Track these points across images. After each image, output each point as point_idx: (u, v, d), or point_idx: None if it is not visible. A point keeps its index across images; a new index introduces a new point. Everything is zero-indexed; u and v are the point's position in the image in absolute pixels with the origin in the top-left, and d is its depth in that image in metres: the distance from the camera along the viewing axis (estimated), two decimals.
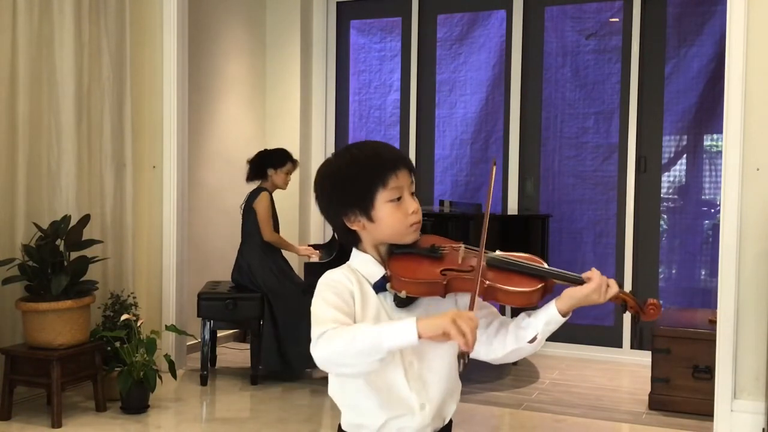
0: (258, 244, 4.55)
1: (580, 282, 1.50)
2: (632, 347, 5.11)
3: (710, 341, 3.71)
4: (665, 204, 5.17)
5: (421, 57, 5.78)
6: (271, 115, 5.96)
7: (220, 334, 5.23)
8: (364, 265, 1.55)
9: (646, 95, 5.12)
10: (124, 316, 3.91)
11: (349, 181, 1.51)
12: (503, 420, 3.98)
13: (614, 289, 1.49)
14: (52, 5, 4.06)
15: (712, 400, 3.63)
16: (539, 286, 1.49)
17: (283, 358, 4.37)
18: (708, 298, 4.96)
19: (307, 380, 4.51)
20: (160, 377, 3.92)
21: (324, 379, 1.62)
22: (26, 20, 3.92)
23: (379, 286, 1.52)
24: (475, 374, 4.58)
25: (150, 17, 4.61)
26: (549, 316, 1.51)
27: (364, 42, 6.07)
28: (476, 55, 5.64)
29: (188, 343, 4.84)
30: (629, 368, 4.93)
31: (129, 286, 4.43)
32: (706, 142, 5.09)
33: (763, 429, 3.46)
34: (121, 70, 4.45)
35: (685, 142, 5.12)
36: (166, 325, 4.33)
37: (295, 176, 4.87)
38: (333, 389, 1.57)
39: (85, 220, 3.87)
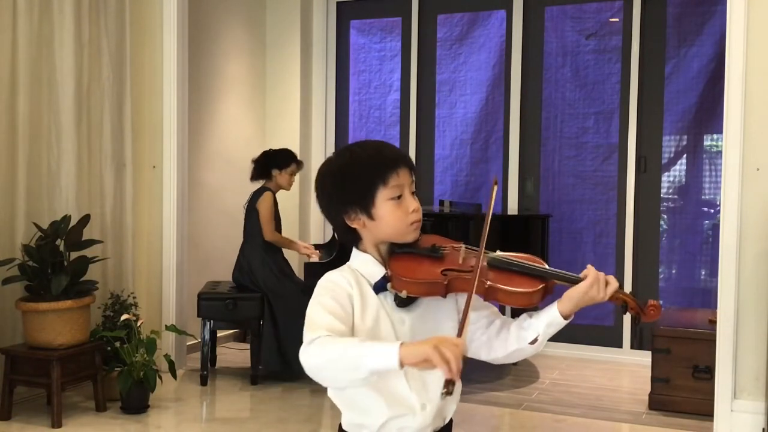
0: (259, 244, 4.55)
1: (577, 281, 1.50)
2: (632, 347, 5.11)
3: (710, 341, 3.70)
4: (665, 204, 5.17)
5: (421, 57, 5.78)
6: (271, 115, 5.96)
7: (220, 334, 5.23)
8: (365, 265, 1.55)
9: (646, 95, 5.12)
10: (124, 316, 3.91)
11: (350, 179, 1.52)
12: (503, 420, 3.98)
13: (614, 285, 1.49)
14: (52, 5, 4.06)
15: (712, 400, 3.63)
16: (540, 286, 1.49)
17: (283, 358, 4.37)
18: (708, 298, 4.96)
19: (307, 380, 4.47)
20: (160, 377, 3.92)
21: None
22: (26, 20, 3.92)
23: (379, 287, 1.52)
24: (475, 374, 4.58)
25: (150, 17, 4.61)
26: (550, 318, 1.51)
27: (364, 42, 6.07)
28: (476, 55, 5.64)
29: (188, 343, 4.84)
30: (629, 368, 4.93)
31: (129, 286, 4.43)
32: (706, 142, 5.09)
33: (763, 429, 3.46)
34: (121, 70, 4.45)
35: (685, 142, 5.12)
36: (166, 325, 4.33)
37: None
38: (332, 390, 1.56)
39: (85, 220, 3.87)
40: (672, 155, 5.15)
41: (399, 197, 1.51)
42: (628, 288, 5.02)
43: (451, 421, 1.60)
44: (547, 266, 1.54)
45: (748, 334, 3.56)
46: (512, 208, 5.43)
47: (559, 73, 5.41)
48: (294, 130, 5.88)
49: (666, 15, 5.09)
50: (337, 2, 6.03)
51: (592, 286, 1.48)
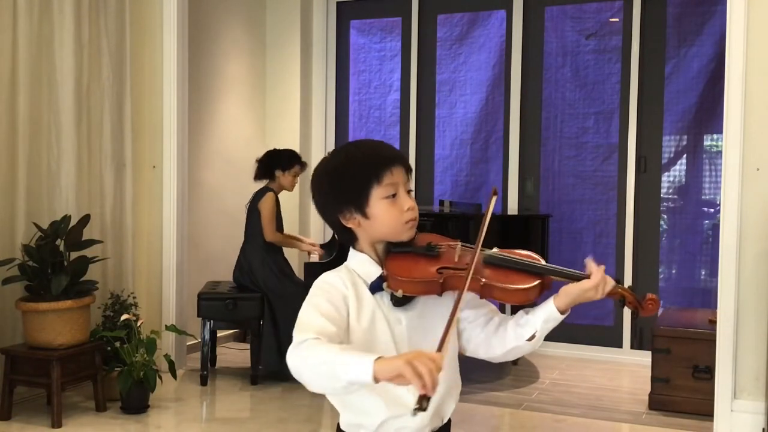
0: (260, 245, 4.54)
1: (578, 278, 1.49)
2: (632, 347, 5.12)
3: (710, 341, 3.70)
4: (665, 204, 5.17)
5: (421, 57, 5.78)
6: (271, 115, 5.96)
7: (220, 334, 5.23)
8: (361, 265, 1.55)
9: (646, 95, 5.12)
10: (124, 316, 3.91)
11: (345, 178, 1.52)
12: (503, 420, 3.98)
13: (610, 283, 1.48)
14: (52, 5, 4.06)
15: (712, 400, 3.63)
16: (536, 282, 1.48)
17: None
18: (708, 298, 4.96)
19: None
20: (160, 377, 3.92)
21: None
22: (26, 20, 3.92)
23: (375, 287, 1.52)
24: (475, 374, 4.58)
25: (150, 17, 4.61)
26: (547, 314, 1.50)
27: (364, 42, 6.07)
28: (476, 55, 5.64)
29: (188, 343, 4.84)
30: (629, 368, 4.93)
31: (129, 286, 4.43)
32: (706, 142, 5.09)
33: (763, 429, 3.46)
34: (121, 70, 4.45)
35: (685, 142, 5.12)
36: (166, 325, 4.33)
37: None
38: None
39: (85, 220, 3.87)
40: (672, 155, 5.15)
41: (393, 196, 1.51)
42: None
43: (449, 420, 1.59)
44: (544, 262, 1.53)
45: (748, 334, 3.56)
46: (512, 208, 5.43)
47: (559, 73, 5.41)
48: (294, 130, 5.88)
49: (666, 15, 5.09)
50: (337, 2, 6.03)
51: (592, 288, 1.47)
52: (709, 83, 4.96)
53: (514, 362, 4.89)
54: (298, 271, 5.06)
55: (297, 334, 1.41)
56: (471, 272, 1.45)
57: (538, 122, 5.43)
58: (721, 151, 4.09)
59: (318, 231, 5.89)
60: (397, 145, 5.82)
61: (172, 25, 4.58)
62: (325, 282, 1.52)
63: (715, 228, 4.89)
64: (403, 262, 1.51)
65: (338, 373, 1.29)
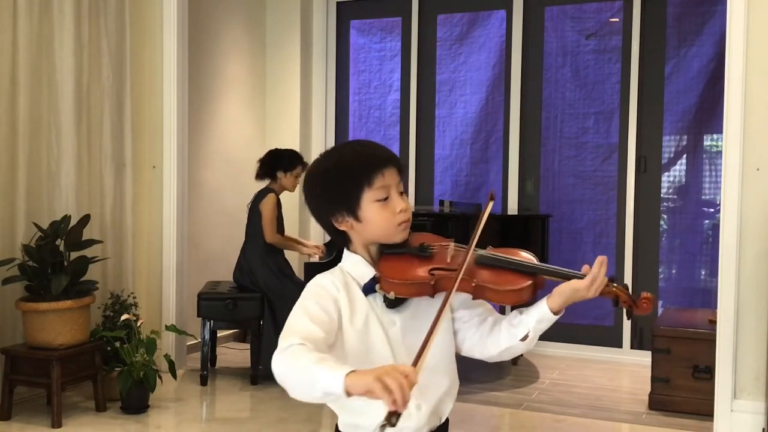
0: (261, 245, 4.54)
1: (572, 278, 1.48)
2: (632, 347, 5.12)
3: (710, 341, 3.70)
4: (665, 204, 5.17)
5: (421, 57, 5.78)
6: (271, 115, 5.96)
7: (220, 334, 5.23)
8: (355, 267, 1.54)
9: (646, 95, 5.12)
10: (124, 316, 3.91)
11: (335, 182, 1.51)
12: (503, 420, 3.98)
13: (603, 282, 1.46)
14: (52, 5, 4.06)
15: (712, 400, 3.63)
16: (528, 283, 1.47)
17: None
18: (708, 298, 4.96)
19: None
20: (160, 377, 3.92)
21: None
22: (26, 20, 3.92)
23: (368, 288, 1.51)
24: (475, 374, 4.58)
25: (150, 17, 4.61)
26: (540, 314, 1.49)
27: (364, 42, 6.07)
28: (476, 55, 5.64)
29: (188, 343, 4.84)
30: (629, 368, 4.93)
31: (129, 286, 4.43)
32: (706, 142, 5.09)
33: (763, 429, 3.46)
34: (121, 70, 4.45)
35: (685, 142, 5.12)
36: (166, 325, 4.33)
37: None
38: None
39: (85, 220, 3.87)
40: (672, 155, 5.15)
41: (386, 199, 1.49)
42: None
43: (447, 420, 1.59)
44: (537, 262, 1.52)
45: (748, 334, 3.56)
46: (512, 208, 5.43)
47: (559, 73, 5.41)
48: (294, 130, 5.88)
49: (666, 15, 5.09)
50: (337, 2, 6.03)
51: (589, 286, 1.46)
52: (709, 83, 4.96)
53: (514, 362, 4.89)
54: (298, 271, 5.06)
55: (283, 338, 1.39)
56: (460, 274, 1.43)
57: (538, 122, 5.43)
58: (721, 151, 4.09)
59: (318, 231, 5.88)
60: (397, 145, 5.84)
61: (172, 25, 4.58)
62: (317, 285, 1.52)
63: (715, 228, 4.89)
64: (395, 264, 1.50)
65: (314, 383, 1.28)
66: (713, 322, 3.75)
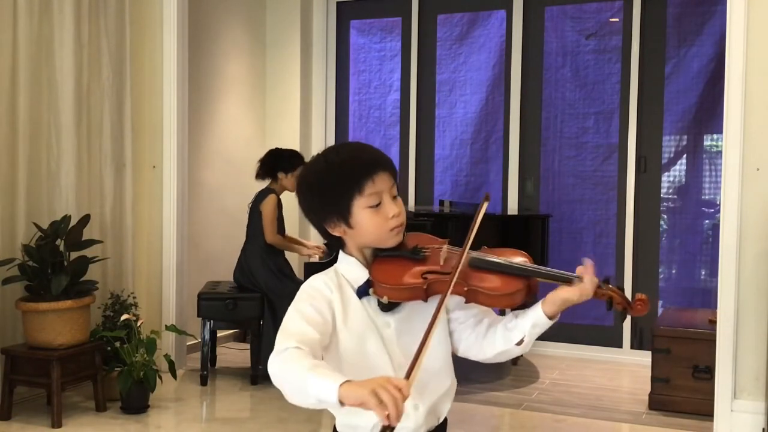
0: (261, 246, 4.54)
1: (566, 280, 1.46)
2: (632, 347, 5.12)
3: (710, 341, 3.70)
4: (665, 204, 5.17)
5: (421, 57, 5.78)
6: (271, 115, 5.96)
7: (220, 334, 5.23)
8: (349, 269, 1.54)
9: (646, 95, 5.12)
10: (124, 316, 3.91)
11: (325, 189, 1.49)
12: (503, 420, 3.98)
13: (593, 288, 1.44)
14: (52, 5, 4.06)
15: (712, 400, 3.63)
16: (522, 286, 1.45)
17: None
18: (708, 298, 4.96)
19: None
20: (160, 377, 3.92)
21: None
22: (26, 20, 3.92)
23: (362, 291, 1.50)
24: (475, 374, 4.58)
25: (150, 17, 4.61)
26: (535, 319, 1.48)
27: (364, 42, 6.07)
28: (476, 55, 5.64)
29: (188, 343, 4.84)
30: (629, 368, 4.93)
31: (129, 286, 4.43)
32: (706, 142, 5.09)
33: (763, 429, 3.46)
34: (121, 70, 4.45)
35: (685, 142, 5.12)
36: (166, 325, 4.33)
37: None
38: None
39: (85, 220, 3.87)
40: (672, 155, 5.15)
41: (378, 204, 1.47)
42: (628, 289, 5.04)
43: (446, 420, 1.59)
44: (531, 264, 1.49)
45: (748, 334, 3.56)
46: (512, 208, 5.43)
47: (559, 73, 5.41)
48: (294, 130, 5.88)
49: (666, 15, 5.08)
50: (337, 2, 6.03)
51: (580, 294, 1.44)
52: (709, 83, 4.96)
53: (514, 362, 4.89)
54: (298, 271, 5.06)
55: (279, 341, 1.39)
56: (454, 278, 1.41)
57: (538, 122, 5.43)
58: (721, 151, 4.09)
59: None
60: (397, 145, 5.84)
61: (172, 25, 4.58)
62: (311, 286, 1.52)
63: (715, 228, 4.89)
64: (388, 268, 1.49)
65: (308, 390, 1.28)
66: (713, 322, 3.75)
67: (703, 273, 5.10)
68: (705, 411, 3.74)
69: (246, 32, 5.75)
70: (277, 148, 4.72)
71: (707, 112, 4.99)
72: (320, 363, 1.34)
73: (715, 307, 3.68)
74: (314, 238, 5.81)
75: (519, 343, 1.50)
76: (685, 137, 5.12)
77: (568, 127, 5.38)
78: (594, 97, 5.31)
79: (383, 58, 5.97)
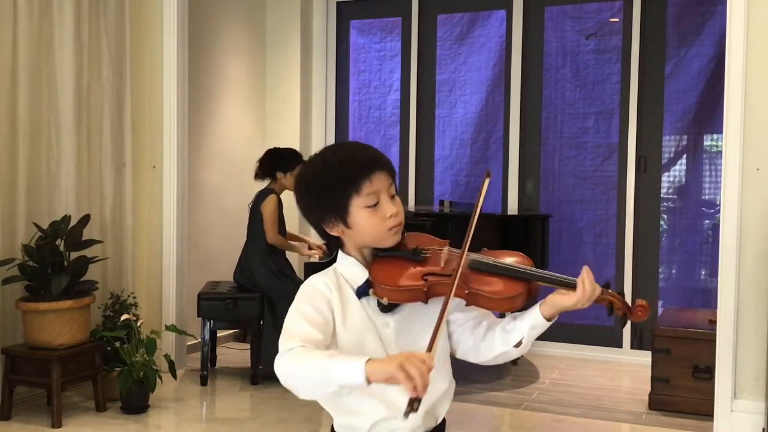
0: (261, 246, 4.53)
1: (567, 284, 1.46)
2: (632, 347, 5.12)
3: (710, 341, 3.70)
4: (665, 204, 5.17)
5: (421, 57, 5.78)
6: (271, 115, 5.96)
7: (220, 334, 5.23)
8: (349, 269, 1.54)
9: (646, 95, 5.12)
10: (124, 316, 3.91)
11: (323, 189, 1.49)
12: (503, 420, 3.98)
13: (593, 295, 1.45)
14: (52, 5, 4.06)
15: (712, 400, 3.63)
16: (523, 290, 1.45)
17: None
18: (708, 298, 4.96)
19: None
20: (160, 377, 3.92)
21: None
22: (26, 20, 3.92)
23: (361, 292, 1.50)
24: (475, 374, 4.57)
25: (150, 17, 4.61)
26: (534, 321, 1.48)
27: (364, 42, 6.07)
28: (476, 55, 5.65)
29: (188, 343, 4.84)
30: (629, 368, 4.93)
31: (129, 286, 4.43)
32: (706, 142, 5.09)
33: (763, 429, 3.46)
34: (121, 70, 4.45)
35: (685, 142, 5.12)
36: (166, 325, 4.33)
37: None
38: None
39: (85, 220, 3.87)
40: (672, 155, 5.15)
41: (375, 204, 1.47)
42: (629, 289, 5.04)
43: (444, 420, 1.59)
44: (532, 267, 1.49)
45: (748, 334, 3.56)
46: (512, 208, 5.43)
47: (559, 73, 5.41)
48: (294, 130, 5.88)
49: (666, 15, 5.09)
50: (337, 2, 6.03)
51: (580, 301, 1.44)
52: (709, 83, 4.96)
53: (514, 362, 4.89)
54: (299, 271, 5.06)
55: (283, 342, 1.40)
56: (455, 281, 1.41)
57: (538, 122, 5.43)
58: (721, 151, 4.09)
59: None
60: (397, 145, 5.84)
61: (172, 25, 4.58)
62: (310, 287, 1.52)
63: (715, 228, 4.89)
64: (388, 268, 1.49)
65: (329, 378, 1.29)
66: (713, 322, 3.75)
67: (703, 273, 5.10)
68: (705, 411, 3.74)
69: (246, 32, 5.75)
70: (275, 148, 4.71)
71: (707, 112, 4.99)
72: (335, 351, 1.36)
73: (715, 307, 3.68)
74: (315, 236, 5.82)
75: (517, 345, 1.51)
76: (685, 137, 5.12)
77: (568, 127, 5.38)
78: (594, 97, 5.31)
79: (383, 58, 5.97)
